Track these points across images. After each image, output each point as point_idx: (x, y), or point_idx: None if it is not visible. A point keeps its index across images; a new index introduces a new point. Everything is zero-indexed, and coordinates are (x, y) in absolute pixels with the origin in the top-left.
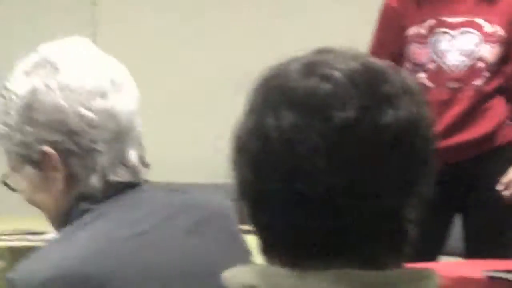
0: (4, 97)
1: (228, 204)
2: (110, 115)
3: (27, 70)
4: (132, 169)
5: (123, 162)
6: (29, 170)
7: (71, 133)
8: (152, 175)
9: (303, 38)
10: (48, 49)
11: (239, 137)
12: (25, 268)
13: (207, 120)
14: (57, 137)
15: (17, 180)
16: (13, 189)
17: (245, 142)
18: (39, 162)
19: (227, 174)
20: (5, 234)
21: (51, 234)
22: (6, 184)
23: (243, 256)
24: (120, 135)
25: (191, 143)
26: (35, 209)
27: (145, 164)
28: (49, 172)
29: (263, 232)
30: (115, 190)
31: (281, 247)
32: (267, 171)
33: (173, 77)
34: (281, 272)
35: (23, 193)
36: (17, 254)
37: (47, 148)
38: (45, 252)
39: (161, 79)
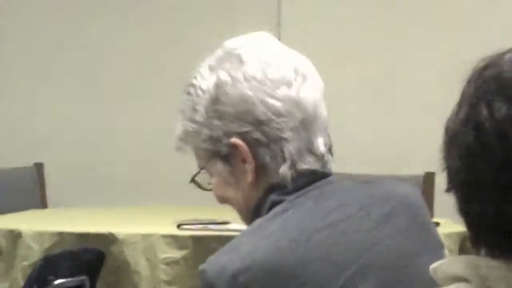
0: (190, 93)
1: (418, 195)
2: (295, 103)
3: (212, 65)
4: (320, 158)
5: (311, 150)
6: (218, 165)
7: (259, 123)
8: (343, 166)
9: None
10: (232, 44)
11: (451, 128)
12: (216, 260)
13: (393, 111)
14: (245, 128)
15: (206, 178)
16: (203, 188)
17: (457, 133)
18: (228, 156)
19: (412, 166)
20: (187, 224)
21: (233, 224)
22: (195, 182)
23: (435, 248)
24: (306, 123)
25: (375, 135)
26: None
27: (332, 153)
28: (238, 165)
29: (473, 223)
30: (305, 180)
31: (492, 239)
32: (479, 162)
33: (360, 68)
34: (491, 264)
35: (213, 189)
36: (199, 243)
37: (236, 140)
38: (237, 244)
39: (345, 72)
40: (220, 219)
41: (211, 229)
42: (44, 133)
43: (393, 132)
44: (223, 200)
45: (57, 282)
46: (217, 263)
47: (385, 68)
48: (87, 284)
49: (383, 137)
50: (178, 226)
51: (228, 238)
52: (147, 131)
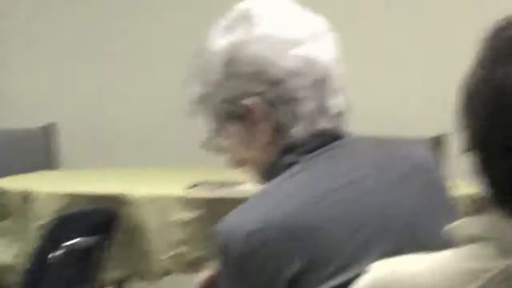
0: (203, 56)
1: (431, 157)
2: (309, 63)
3: (226, 26)
4: (335, 118)
5: (325, 110)
6: (234, 126)
7: (273, 83)
8: (362, 127)
9: None
10: (244, 5)
11: (470, 88)
12: (231, 220)
13: (401, 73)
14: (260, 88)
15: (221, 141)
16: (218, 151)
17: (477, 92)
18: (244, 117)
19: (424, 128)
20: (199, 185)
21: (245, 185)
22: (210, 146)
23: (450, 209)
24: (320, 83)
25: (402, 97)
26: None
27: (347, 114)
28: (254, 126)
29: (495, 182)
30: (320, 140)
31: None
32: (499, 122)
33: (389, 31)
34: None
35: (228, 152)
36: (211, 204)
37: (251, 101)
38: (251, 204)
39: (371, 33)
40: (232, 181)
41: (222, 190)
42: (56, 93)
43: (399, 95)
44: (238, 162)
45: (70, 242)
46: (231, 223)
47: (390, 28)
48: (100, 244)
49: (390, 99)
50: (191, 187)
51: (240, 200)
52: (160, 92)
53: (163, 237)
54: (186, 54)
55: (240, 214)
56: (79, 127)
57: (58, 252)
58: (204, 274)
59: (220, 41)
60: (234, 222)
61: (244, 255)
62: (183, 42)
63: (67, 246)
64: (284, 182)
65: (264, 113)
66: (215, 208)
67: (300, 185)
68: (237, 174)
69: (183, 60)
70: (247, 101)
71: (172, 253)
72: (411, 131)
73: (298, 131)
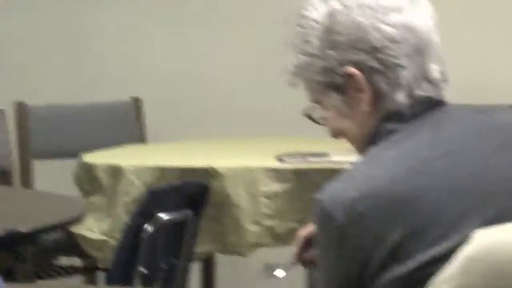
0: (302, 26)
1: None
2: (408, 29)
3: None
4: (435, 84)
5: (426, 77)
6: (333, 96)
7: (373, 50)
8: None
9: None
10: None
11: None
12: (333, 189)
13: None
14: (359, 56)
15: (320, 111)
16: (317, 122)
17: None
18: (343, 86)
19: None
20: (287, 156)
21: (334, 156)
22: (310, 117)
23: None
24: (420, 49)
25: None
26: (315, 130)
27: (446, 80)
28: (354, 95)
29: None
30: (421, 107)
31: None
32: None
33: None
34: None
35: (327, 123)
36: (300, 176)
37: (351, 69)
38: (353, 172)
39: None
40: (321, 151)
41: (312, 162)
42: (143, 67)
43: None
44: (337, 132)
45: (162, 216)
46: (333, 192)
47: None
48: (192, 218)
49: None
50: (279, 158)
51: (329, 170)
52: (246, 61)
53: (253, 209)
54: (275, 20)
55: (343, 182)
56: (165, 100)
57: (150, 227)
58: (306, 230)
59: (319, 9)
60: (337, 190)
61: (347, 222)
62: (274, 5)
63: (159, 220)
64: (387, 150)
65: (364, 81)
66: (305, 179)
67: (403, 153)
68: (326, 145)
69: (270, 26)
70: (347, 70)
71: (262, 226)
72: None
73: (398, 99)
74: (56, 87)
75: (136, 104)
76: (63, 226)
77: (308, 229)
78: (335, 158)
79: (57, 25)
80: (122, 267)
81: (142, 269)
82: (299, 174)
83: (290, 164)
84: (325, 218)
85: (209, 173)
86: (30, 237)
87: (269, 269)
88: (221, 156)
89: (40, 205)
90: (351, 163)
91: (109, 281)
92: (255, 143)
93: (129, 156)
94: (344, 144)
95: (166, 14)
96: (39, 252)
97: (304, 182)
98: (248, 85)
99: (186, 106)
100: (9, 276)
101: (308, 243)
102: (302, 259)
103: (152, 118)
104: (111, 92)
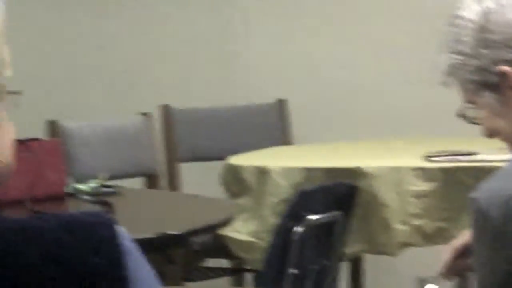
0: (456, 25)
1: None
2: None
3: None
4: None
5: None
6: (486, 96)
7: None
8: None
9: None
10: None
11: None
12: (489, 187)
13: None
14: None
15: (474, 111)
16: (472, 122)
17: None
18: (497, 85)
19: None
20: (436, 155)
21: (482, 155)
22: (464, 117)
23: None
24: None
25: None
26: (464, 130)
27: None
28: (508, 93)
29: None
30: None
31: None
32: None
33: None
34: None
35: (481, 122)
36: (448, 175)
37: (505, 68)
38: (509, 170)
39: None
40: (468, 150)
41: (459, 161)
42: (288, 68)
43: None
44: (492, 132)
45: (312, 217)
46: (489, 190)
47: None
48: (341, 219)
49: None
50: (427, 158)
51: (477, 169)
52: (391, 61)
53: (401, 209)
54: (424, 15)
55: (498, 181)
56: (309, 101)
57: (301, 228)
58: (457, 241)
59: (473, 8)
60: (492, 189)
61: (505, 219)
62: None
63: (309, 221)
64: None
65: None
66: (454, 179)
67: None
68: (473, 144)
69: (417, 23)
70: (501, 69)
71: (410, 225)
72: None
73: None
74: (201, 90)
75: (281, 105)
76: (213, 229)
77: (460, 240)
78: (483, 156)
79: (204, 31)
80: (273, 268)
81: (292, 270)
82: (447, 173)
83: (437, 163)
84: (480, 217)
85: (356, 173)
86: (181, 240)
87: (422, 281)
88: (367, 156)
89: (189, 207)
90: (506, 161)
91: (260, 282)
92: (401, 143)
93: (275, 158)
94: (495, 143)
95: (309, 17)
96: (187, 254)
97: (452, 181)
98: (394, 86)
99: (331, 107)
100: (159, 278)
101: (459, 253)
102: (452, 270)
103: (297, 119)
104: (256, 94)
